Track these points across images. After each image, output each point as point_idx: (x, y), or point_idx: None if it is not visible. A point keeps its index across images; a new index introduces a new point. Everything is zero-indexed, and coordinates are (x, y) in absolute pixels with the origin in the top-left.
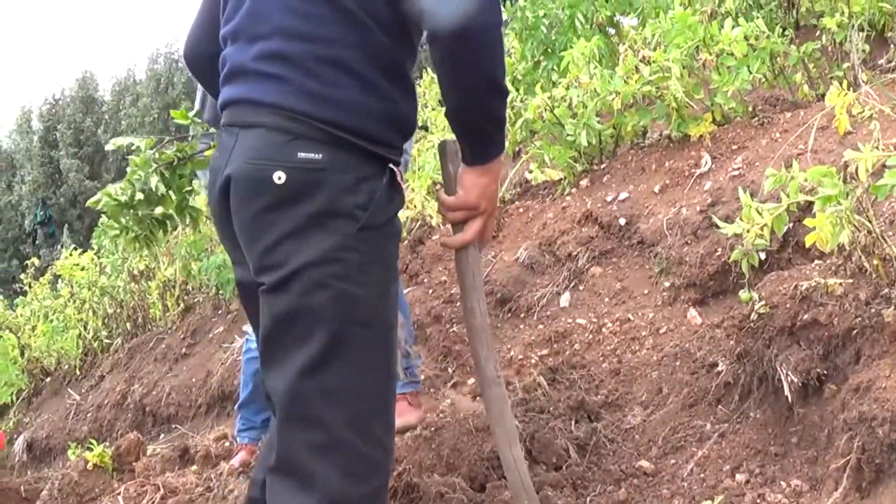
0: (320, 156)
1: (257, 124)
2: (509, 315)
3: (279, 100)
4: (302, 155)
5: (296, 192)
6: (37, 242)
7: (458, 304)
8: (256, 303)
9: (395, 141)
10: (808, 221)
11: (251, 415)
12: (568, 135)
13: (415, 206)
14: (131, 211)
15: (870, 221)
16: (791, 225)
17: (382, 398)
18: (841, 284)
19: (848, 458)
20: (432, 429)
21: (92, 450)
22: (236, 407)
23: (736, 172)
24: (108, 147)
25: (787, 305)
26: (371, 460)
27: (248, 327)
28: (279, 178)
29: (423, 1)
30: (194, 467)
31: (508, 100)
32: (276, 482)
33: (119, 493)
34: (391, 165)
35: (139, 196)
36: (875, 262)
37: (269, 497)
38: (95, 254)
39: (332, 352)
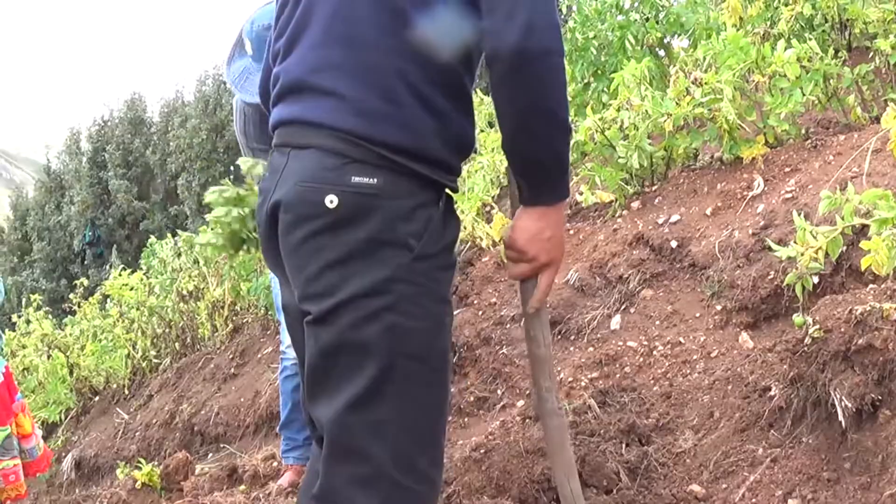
0: (375, 181)
1: (311, 146)
2: (559, 337)
3: (335, 121)
4: (356, 179)
5: (347, 218)
6: (85, 262)
7: (508, 325)
8: (302, 328)
9: (454, 164)
10: (863, 244)
11: (294, 433)
12: (619, 157)
13: (465, 228)
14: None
15: None
16: (845, 248)
17: (431, 432)
18: None
19: None
20: (482, 451)
21: (141, 468)
22: (279, 428)
23: (789, 195)
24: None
25: (842, 329)
26: (414, 494)
27: (286, 346)
28: (331, 202)
29: (485, 20)
30: (242, 487)
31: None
32: None
33: None
34: (448, 191)
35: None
36: None
37: None
38: (144, 274)
39: (381, 387)
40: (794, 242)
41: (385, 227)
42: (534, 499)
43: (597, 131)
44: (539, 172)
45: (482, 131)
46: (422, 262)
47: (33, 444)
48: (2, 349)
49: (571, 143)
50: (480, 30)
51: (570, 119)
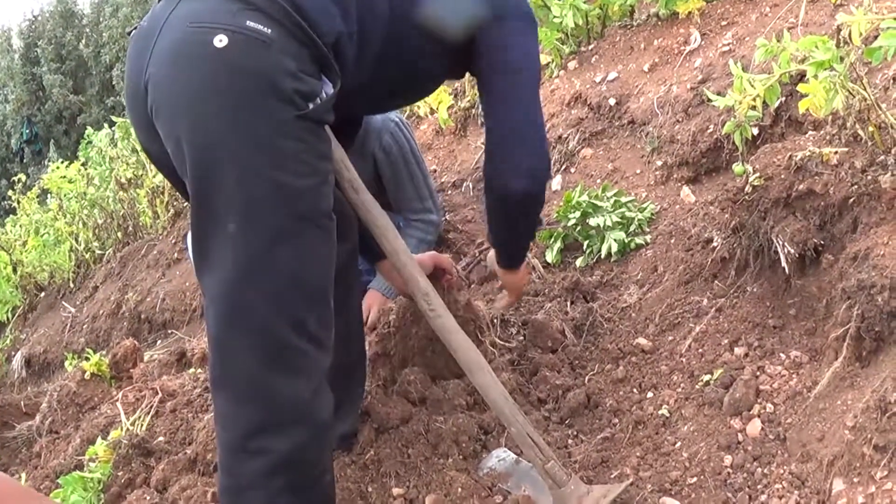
0: (270, 31)
1: None
2: None
3: None
4: (251, 24)
5: (235, 61)
6: (24, 161)
7: (449, 192)
8: (175, 178)
9: (342, 62)
10: (801, 87)
11: None
12: (554, 17)
13: None
14: None
15: (864, 88)
16: (783, 99)
17: (320, 291)
18: (836, 153)
19: (847, 327)
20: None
21: (89, 360)
22: None
23: (726, 48)
24: None
25: (782, 176)
26: (302, 353)
27: None
28: (220, 41)
29: (490, 164)
30: (192, 370)
31: None
32: None
33: (118, 400)
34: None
35: None
36: (870, 129)
37: None
38: (82, 165)
39: (272, 250)
40: (732, 92)
41: (274, 81)
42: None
43: None
44: (520, 254)
45: None
46: (305, 120)
47: None
48: None
49: None
50: (498, 163)
51: None
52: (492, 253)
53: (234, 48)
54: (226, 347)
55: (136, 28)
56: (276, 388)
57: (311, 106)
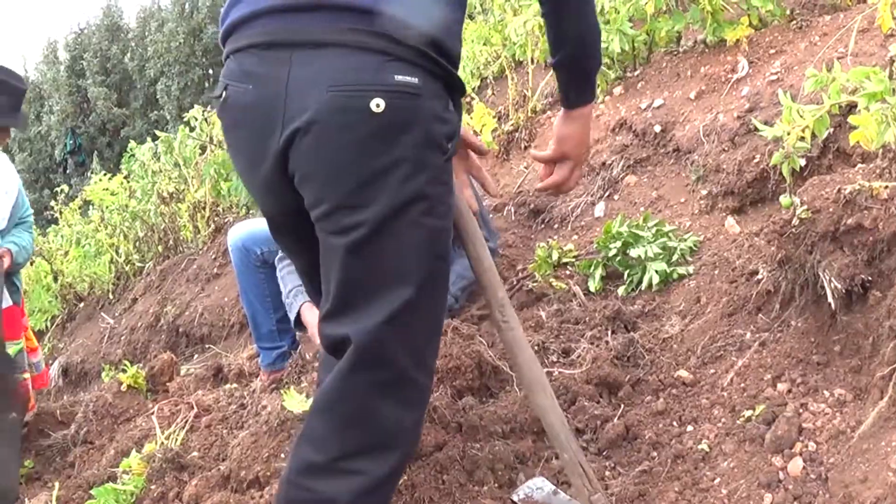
0: (416, 80)
1: (332, 43)
2: (542, 226)
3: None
4: (399, 78)
5: (395, 122)
6: (67, 171)
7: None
8: (298, 236)
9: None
10: (852, 119)
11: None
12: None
13: None
14: None
15: None
16: (832, 130)
17: (439, 325)
18: (886, 187)
19: (893, 366)
20: None
21: (126, 371)
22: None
23: (774, 77)
24: None
25: (830, 210)
26: (422, 387)
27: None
28: (377, 106)
29: None
30: (228, 385)
31: (539, 9)
32: None
33: (153, 413)
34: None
35: None
36: None
37: None
38: (125, 178)
39: (419, 297)
40: (781, 122)
41: (428, 131)
42: None
43: None
44: (591, 76)
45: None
46: (448, 161)
47: (39, 358)
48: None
49: None
50: None
51: None
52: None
53: (391, 111)
54: (348, 379)
55: (224, 95)
56: (386, 416)
57: (450, 146)
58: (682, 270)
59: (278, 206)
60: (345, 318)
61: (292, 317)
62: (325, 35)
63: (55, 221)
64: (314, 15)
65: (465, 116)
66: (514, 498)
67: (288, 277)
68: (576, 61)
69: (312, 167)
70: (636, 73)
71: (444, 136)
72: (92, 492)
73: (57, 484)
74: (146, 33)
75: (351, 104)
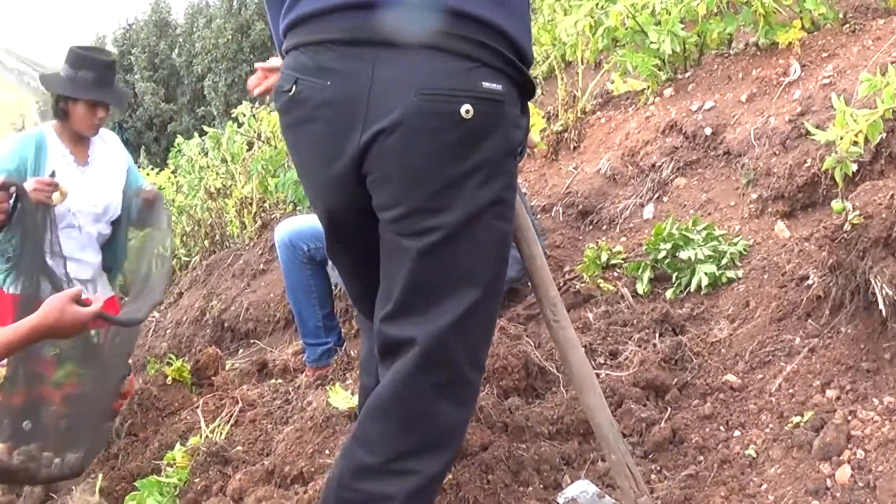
0: (501, 87)
1: (419, 45)
2: (591, 227)
3: (480, 8)
4: (486, 85)
5: (481, 128)
6: None
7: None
8: (352, 235)
9: None
10: None
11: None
12: (651, 42)
13: None
14: None
15: None
16: (885, 135)
17: (494, 325)
18: None
19: None
20: None
21: (171, 365)
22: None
23: (826, 81)
24: None
25: (883, 216)
26: (476, 386)
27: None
28: (467, 112)
29: None
30: (272, 381)
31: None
32: None
33: (198, 407)
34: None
35: None
36: None
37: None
38: (172, 173)
39: (484, 300)
40: (833, 127)
41: (508, 136)
42: None
43: (628, 16)
44: None
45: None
46: (516, 165)
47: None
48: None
49: (602, 29)
50: None
51: None
52: None
53: (478, 117)
54: (410, 381)
55: (295, 89)
56: (443, 415)
57: (520, 150)
58: (731, 274)
59: (343, 203)
60: (409, 319)
61: None
62: (410, 36)
63: None
64: (397, 13)
65: None
66: (560, 500)
67: None
68: None
69: (393, 169)
70: (687, 75)
71: (519, 141)
72: (136, 484)
73: (101, 475)
74: (194, 29)
75: (441, 109)
